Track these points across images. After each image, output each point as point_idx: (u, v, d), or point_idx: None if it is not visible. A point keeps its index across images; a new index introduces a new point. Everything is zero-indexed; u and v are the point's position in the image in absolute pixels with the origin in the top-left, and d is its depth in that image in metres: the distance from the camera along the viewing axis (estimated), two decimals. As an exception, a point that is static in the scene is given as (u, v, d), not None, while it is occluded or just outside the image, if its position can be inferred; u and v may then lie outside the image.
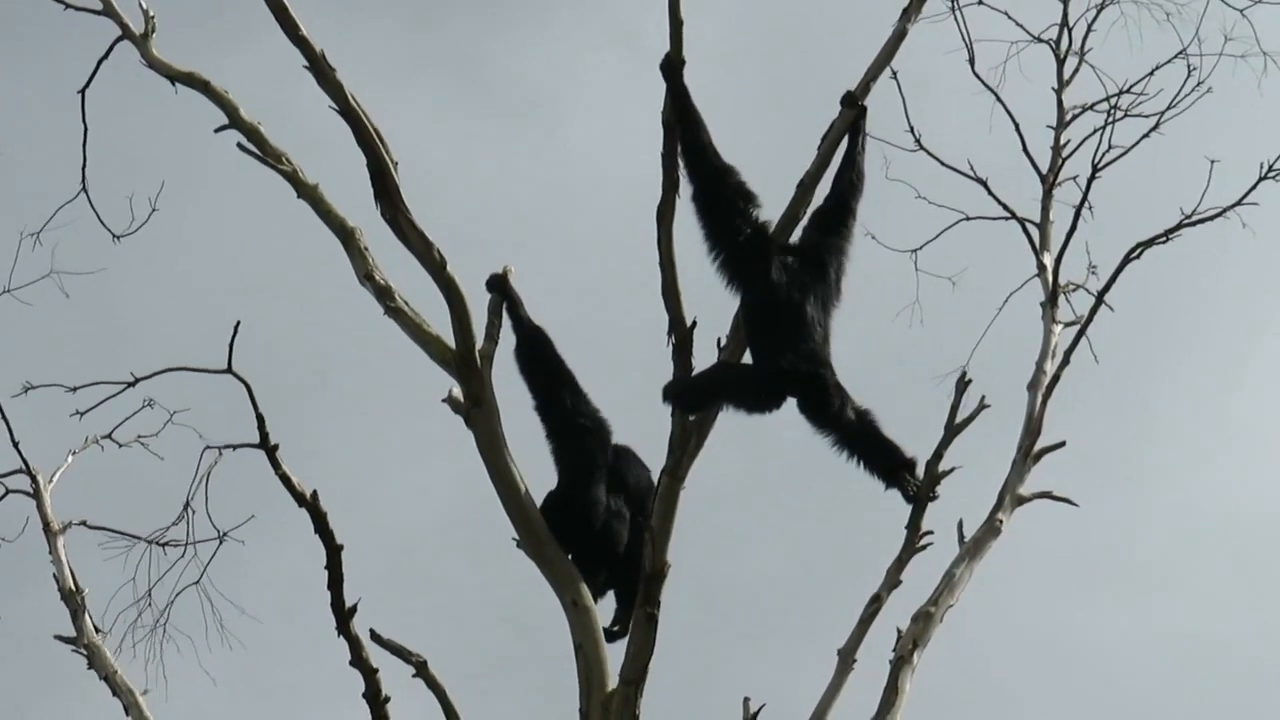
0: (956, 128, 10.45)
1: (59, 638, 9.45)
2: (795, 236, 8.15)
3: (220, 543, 9.19)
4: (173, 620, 9.23)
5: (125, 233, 9.47)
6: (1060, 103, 10.17)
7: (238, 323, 7.81)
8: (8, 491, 9.97)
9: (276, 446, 7.77)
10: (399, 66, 15.73)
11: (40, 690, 11.50)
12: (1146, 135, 9.82)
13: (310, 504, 7.70)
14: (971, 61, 10.09)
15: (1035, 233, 9.82)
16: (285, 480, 7.74)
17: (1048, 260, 9.61)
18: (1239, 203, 9.41)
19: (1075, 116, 10.12)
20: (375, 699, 7.71)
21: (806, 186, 8.12)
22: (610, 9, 16.71)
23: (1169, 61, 10.04)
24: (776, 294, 7.91)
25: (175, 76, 8.70)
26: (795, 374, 7.85)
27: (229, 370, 7.87)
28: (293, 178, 8.36)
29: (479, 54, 16.38)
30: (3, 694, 11.69)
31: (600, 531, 8.33)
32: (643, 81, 8.05)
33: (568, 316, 9.16)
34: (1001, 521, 8.50)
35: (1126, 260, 9.09)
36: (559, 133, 16.08)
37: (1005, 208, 9.87)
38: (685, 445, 7.91)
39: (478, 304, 8.27)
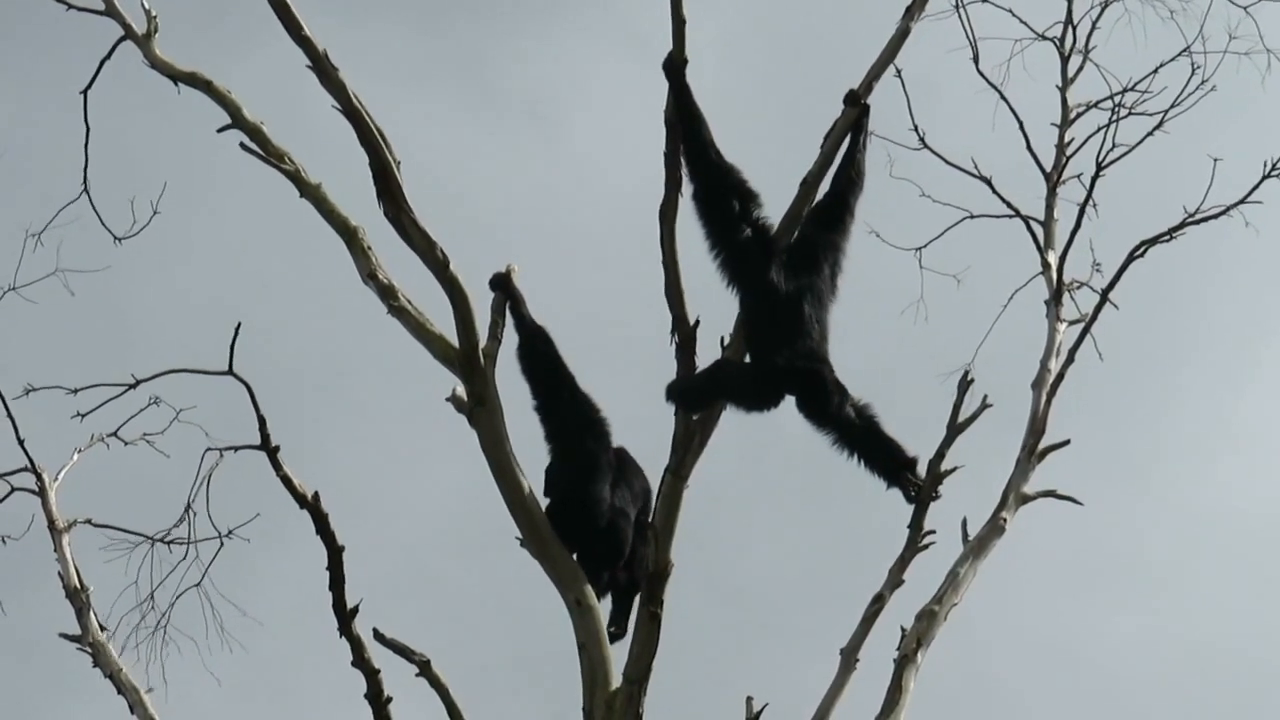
0: (960, 126, 10.45)
1: (64, 636, 9.46)
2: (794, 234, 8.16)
3: (221, 544, 9.23)
4: (175, 621, 9.27)
5: (127, 234, 9.47)
6: (1064, 100, 10.16)
7: (238, 324, 7.82)
8: (13, 489, 9.98)
9: (278, 448, 7.76)
10: (405, 70, 15.77)
11: (45, 688, 11.53)
12: (1150, 133, 9.82)
13: (311, 505, 7.70)
14: (975, 59, 10.08)
15: (1039, 231, 9.81)
16: (286, 481, 7.74)
17: (1052, 258, 9.61)
18: (1242, 201, 9.39)
19: (1079, 114, 10.11)
20: (377, 699, 7.71)
21: (809, 185, 8.14)
22: (615, 11, 16.74)
23: (1173, 59, 10.04)
24: (775, 292, 7.92)
25: (177, 76, 8.69)
26: (792, 371, 7.87)
27: (230, 372, 7.88)
28: (295, 177, 8.36)
29: (484, 57, 16.40)
30: (7, 692, 11.72)
31: (605, 530, 8.33)
32: (647, 83, 8.07)
33: (571, 316, 9.16)
34: (1005, 520, 8.50)
35: (1130, 258, 9.07)
36: (563, 134, 16.11)
37: (1009, 206, 9.86)
38: (689, 444, 7.92)
39: (481, 303, 8.27)
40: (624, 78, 15.43)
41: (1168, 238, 9.28)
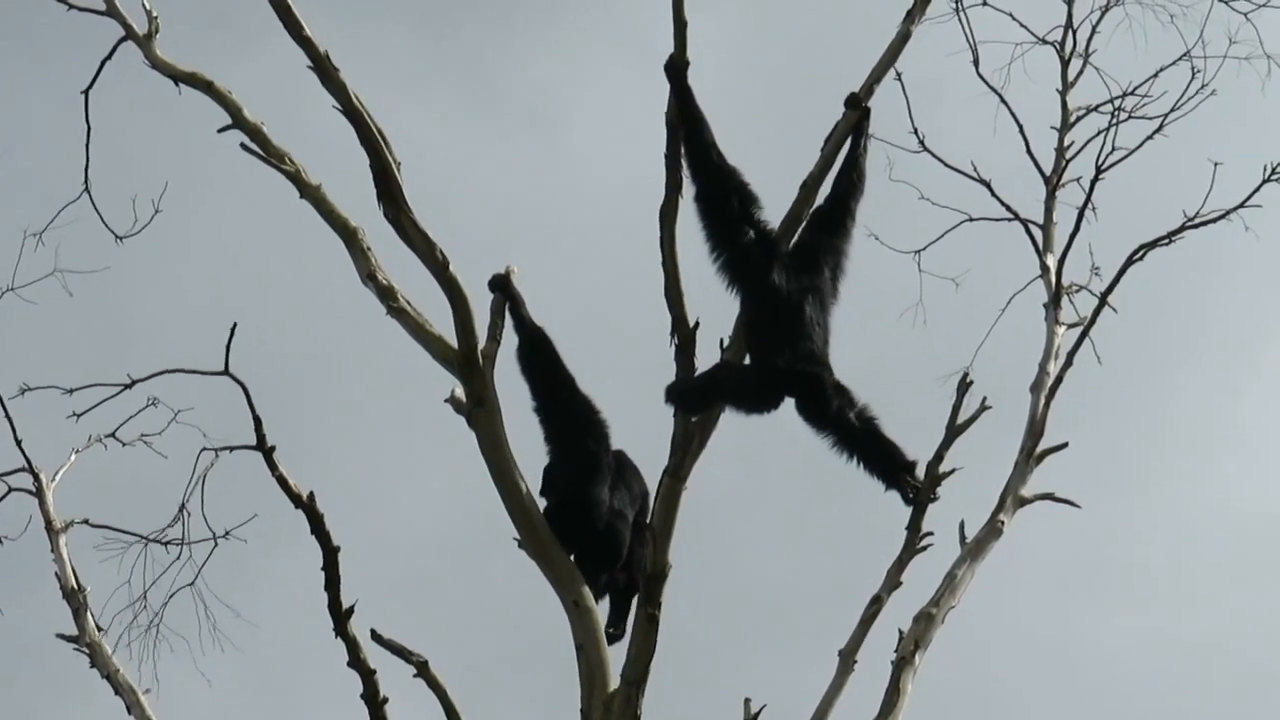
0: (960, 129, 10.45)
1: (61, 636, 9.45)
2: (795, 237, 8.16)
3: (215, 544, 9.23)
4: (170, 622, 9.28)
5: (128, 233, 9.49)
6: (1064, 104, 10.16)
7: (234, 325, 7.83)
8: (10, 490, 9.98)
9: (273, 448, 7.76)
10: (406, 72, 15.79)
11: (42, 688, 11.53)
12: (1150, 137, 9.81)
13: (307, 505, 7.70)
14: (976, 63, 10.09)
15: (1038, 234, 9.81)
16: (282, 482, 7.74)
17: (1051, 261, 9.61)
18: (1242, 205, 9.40)
19: (1079, 118, 10.11)
20: (373, 700, 7.71)
21: (809, 188, 8.14)
22: (616, 14, 16.75)
23: (1173, 64, 10.03)
24: (776, 295, 7.92)
25: (178, 77, 8.69)
26: (793, 373, 7.87)
27: (226, 372, 7.88)
28: (296, 178, 8.36)
29: (485, 59, 16.42)
30: (5, 692, 11.72)
31: (604, 532, 8.33)
32: (647, 85, 8.08)
33: (571, 317, 9.17)
34: (1003, 522, 8.50)
35: (1129, 262, 9.08)
36: (563, 136, 16.13)
37: (1008, 209, 9.87)
38: (687, 446, 7.92)
39: (480, 304, 8.28)
40: (624, 80, 15.47)
41: (1167, 241, 9.29)
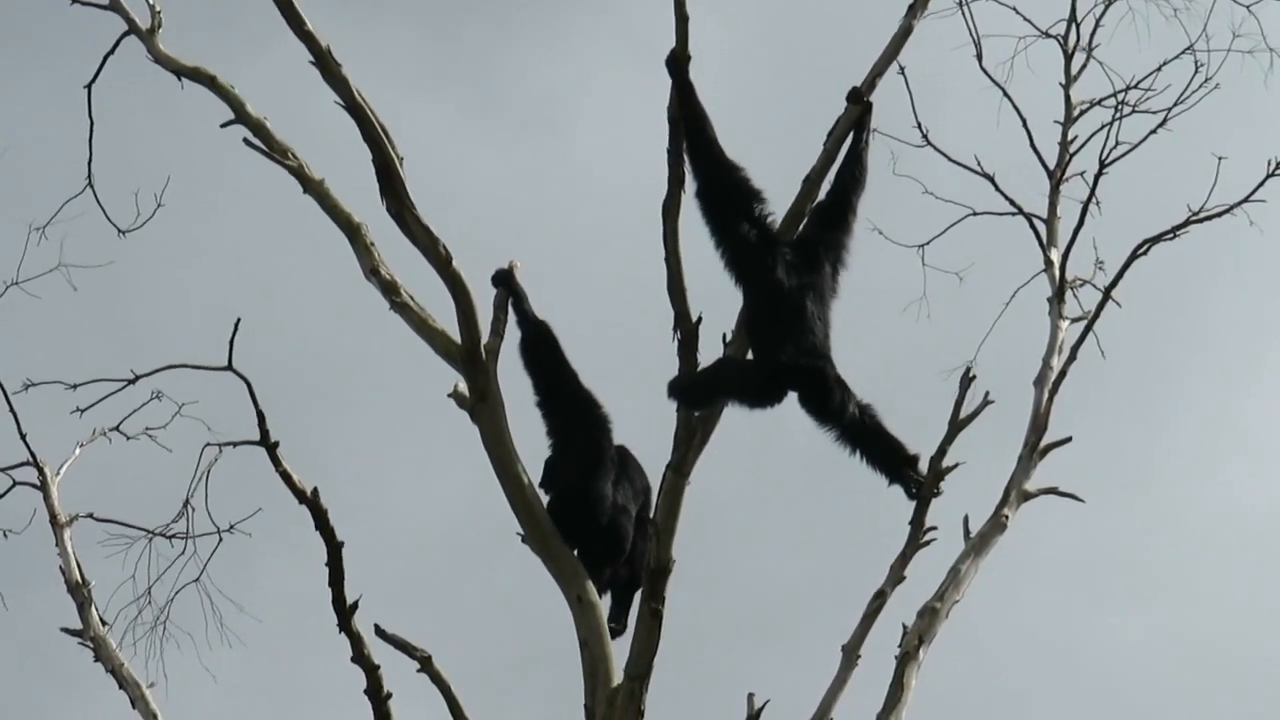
0: (964, 123, 10.45)
1: (65, 630, 9.47)
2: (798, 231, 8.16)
3: (220, 539, 9.23)
4: (175, 617, 9.28)
5: (131, 228, 9.49)
6: (1068, 98, 10.15)
7: (238, 320, 7.85)
8: (15, 484, 9.99)
9: (277, 443, 7.77)
10: (411, 73, 15.81)
11: (46, 683, 11.55)
12: (1154, 131, 9.80)
13: (310, 501, 7.70)
14: (979, 57, 10.08)
15: (1042, 228, 9.81)
16: (285, 477, 7.74)
17: (1054, 256, 9.60)
18: (1246, 199, 9.37)
19: (1083, 112, 10.10)
20: (377, 695, 7.71)
21: (812, 182, 8.14)
22: (618, 13, 16.77)
23: (1176, 57, 10.02)
24: (778, 290, 7.92)
25: (181, 71, 8.70)
26: (795, 368, 7.87)
27: (229, 367, 7.88)
28: (299, 173, 8.36)
29: (489, 59, 16.44)
30: (9, 686, 11.74)
31: (607, 527, 8.34)
32: (650, 83, 8.08)
33: (574, 313, 9.18)
34: (1007, 517, 8.50)
35: (1134, 256, 9.06)
36: (566, 133, 16.15)
37: (1012, 203, 9.86)
38: (690, 441, 7.91)
39: (483, 299, 8.30)
40: (627, 78, 15.46)
41: (1171, 236, 9.27)
